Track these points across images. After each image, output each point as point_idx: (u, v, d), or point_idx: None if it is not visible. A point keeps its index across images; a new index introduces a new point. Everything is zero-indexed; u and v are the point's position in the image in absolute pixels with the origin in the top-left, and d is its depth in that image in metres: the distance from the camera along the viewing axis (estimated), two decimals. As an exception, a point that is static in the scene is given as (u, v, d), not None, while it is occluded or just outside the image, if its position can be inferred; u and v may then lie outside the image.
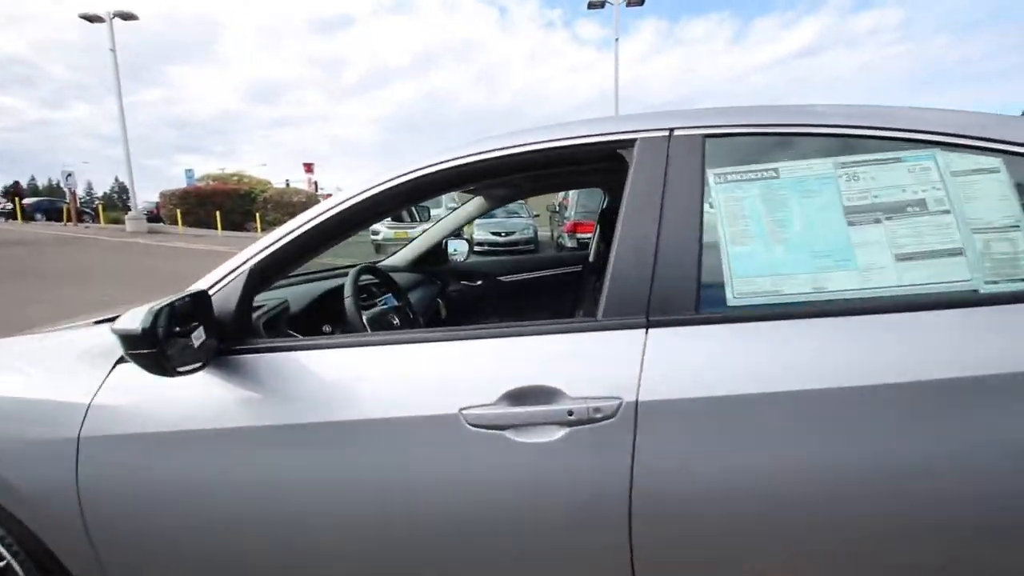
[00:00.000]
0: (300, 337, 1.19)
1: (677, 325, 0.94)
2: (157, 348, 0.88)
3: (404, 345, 1.03)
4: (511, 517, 0.94)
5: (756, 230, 0.98)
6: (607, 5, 16.68)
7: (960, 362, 0.86)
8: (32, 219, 24.10)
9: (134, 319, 0.87)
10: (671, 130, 1.05)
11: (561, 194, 11.62)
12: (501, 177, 1.21)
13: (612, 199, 2.52)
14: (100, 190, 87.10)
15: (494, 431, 0.93)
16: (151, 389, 1.04)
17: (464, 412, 0.94)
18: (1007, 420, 0.84)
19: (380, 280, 1.84)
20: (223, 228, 19.12)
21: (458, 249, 2.80)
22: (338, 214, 1.12)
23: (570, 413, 0.91)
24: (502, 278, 2.72)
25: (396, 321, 1.59)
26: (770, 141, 1.03)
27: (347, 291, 1.42)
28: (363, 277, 1.64)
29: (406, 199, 1.20)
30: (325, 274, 2.01)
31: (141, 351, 0.89)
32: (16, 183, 27.37)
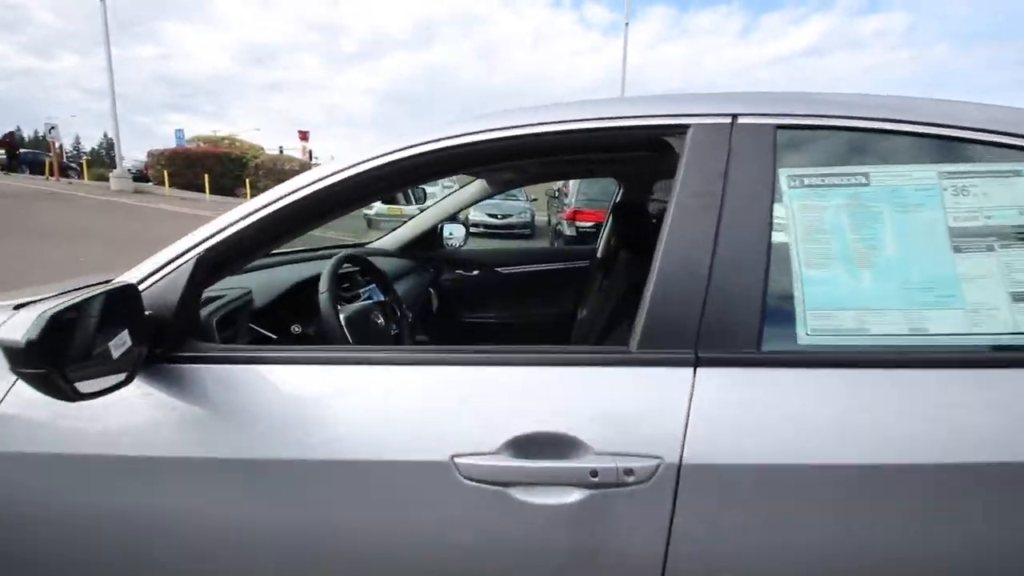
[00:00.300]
0: (258, 347, 0.97)
1: (734, 365, 0.74)
2: (49, 368, 0.66)
3: (387, 367, 0.82)
4: None
5: (838, 250, 0.77)
6: (619, -14, 16.17)
7: None
8: (15, 171, 23.45)
9: (20, 327, 0.65)
10: (734, 116, 0.84)
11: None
12: (517, 160, 0.99)
13: (627, 191, 2.31)
14: (88, 145, 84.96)
15: (495, 487, 0.73)
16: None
17: (457, 460, 0.74)
18: None
19: (364, 269, 1.62)
20: (212, 192, 18.59)
21: (454, 234, 2.58)
22: (315, 193, 0.89)
23: (593, 474, 0.71)
24: (500, 269, 2.50)
25: (380, 320, 1.37)
26: (860, 138, 0.82)
27: (323, 285, 1.21)
28: (345, 266, 1.43)
29: (404, 179, 0.98)
30: (300, 255, 1.78)
31: (28, 371, 0.67)
32: (11, 133, 26.42)
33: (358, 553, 0.77)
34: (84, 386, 0.73)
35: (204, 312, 1.09)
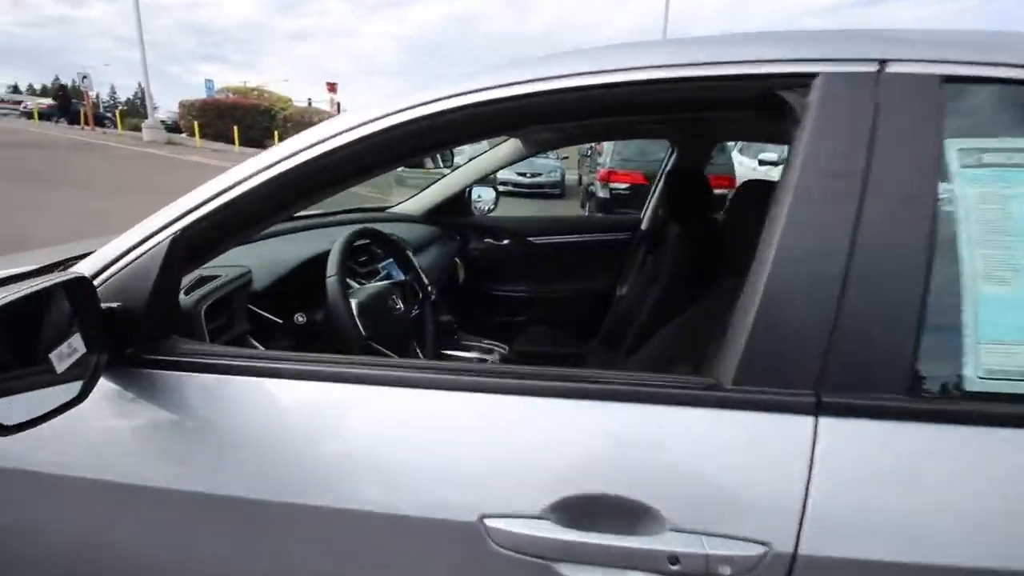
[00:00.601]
0: (248, 352, 0.78)
1: (872, 416, 0.54)
2: None
3: (399, 389, 0.64)
4: None
5: (1032, 259, 0.55)
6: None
7: None
8: (53, 120, 23.93)
9: None
10: (882, 63, 0.60)
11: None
12: (578, 119, 0.76)
13: (682, 156, 2.04)
14: (124, 95, 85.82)
15: (536, 560, 0.56)
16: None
17: (488, 523, 0.56)
18: None
19: (382, 241, 1.43)
20: (241, 144, 18.58)
21: (483, 197, 2.36)
22: (319, 159, 0.70)
23: (673, 560, 0.53)
24: (533, 239, 2.29)
25: (399, 305, 1.20)
26: None
27: (332, 267, 1.03)
28: (359, 242, 1.25)
29: (436, 139, 0.74)
30: (310, 222, 1.60)
31: None
32: (63, 87, 26.85)
33: None
34: (17, 408, 0.58)
35: (192, 298, 0.93)
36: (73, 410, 0.63)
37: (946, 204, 0.56)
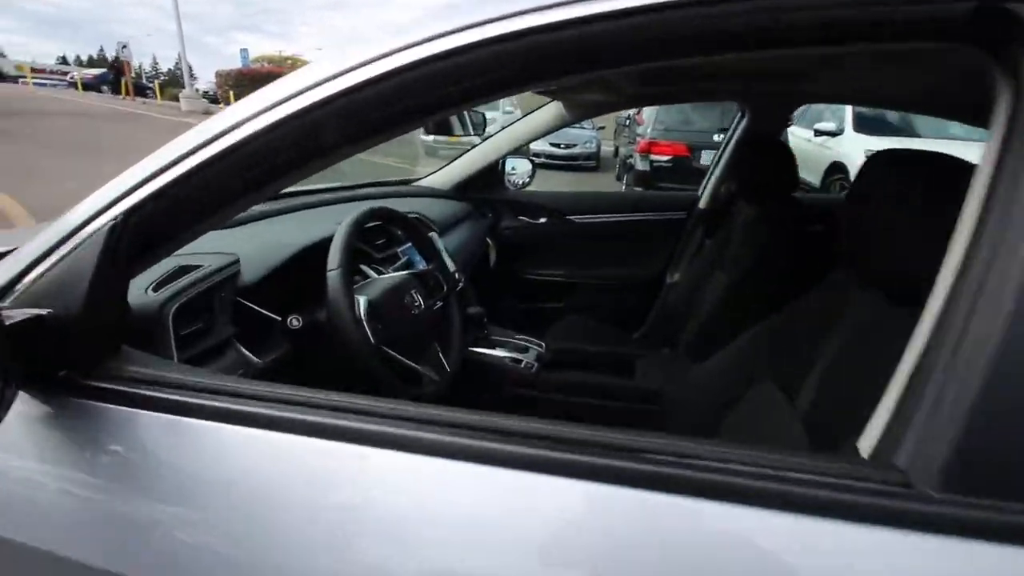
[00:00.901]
0: (219, 378, 0.57)
1: None
2: None
3: (420, 457, 0.44)
4: None
5: None
6: None
7: None
8: (98, 91, 24.57)
9: None
10: None
11: (633, 105, 10.16)
12: (688, 55, 0.50)
13: (755, 120, 1.74)
14: (165, 65, 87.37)
15: None
16: None
17: None
18: None
19: (398, 224, 1.21)
20: (275, 115, 18.66)
21: (518, 170, 2.12)
22: (341, 97, 0.49)
23: None
24: (572, 217, 2.05)
25: (418, 302, 1.00)
26: None
27: (333, 259, 0.83)
28: (371, 224, 1.04)
29: (462, 91, 0.49)
30: (319, 197, 1.41)
31: None
32: (117, 58, 27.62)
33: None
34: None
35: (158, 297, 0.74)
36: None
37: None
